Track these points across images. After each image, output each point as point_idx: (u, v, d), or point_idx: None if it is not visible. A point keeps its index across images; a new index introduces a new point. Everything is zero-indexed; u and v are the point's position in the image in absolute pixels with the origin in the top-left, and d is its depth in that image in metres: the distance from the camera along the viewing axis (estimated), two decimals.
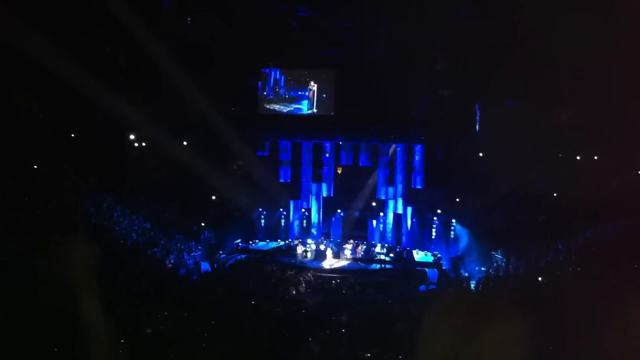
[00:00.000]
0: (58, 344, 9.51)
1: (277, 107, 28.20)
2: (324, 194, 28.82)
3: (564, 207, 23.48)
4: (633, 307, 10.66)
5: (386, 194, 27.91)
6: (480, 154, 26.81)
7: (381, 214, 28.44)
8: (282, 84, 27.94)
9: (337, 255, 24.93)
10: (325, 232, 28.64)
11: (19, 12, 19.08)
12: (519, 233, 23.60)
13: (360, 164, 27.85)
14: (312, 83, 27.58)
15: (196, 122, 25.64)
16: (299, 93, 27.79)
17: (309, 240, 26.62)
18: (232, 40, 26.42)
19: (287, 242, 27.44)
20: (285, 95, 27.97)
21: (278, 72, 27.99)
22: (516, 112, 26.17)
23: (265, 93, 28.13)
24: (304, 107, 27.89)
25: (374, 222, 28.24)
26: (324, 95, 27.57)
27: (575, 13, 20.44)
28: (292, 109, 28.06)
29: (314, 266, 23.79)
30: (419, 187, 27.16)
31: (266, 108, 28.27)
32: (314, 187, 28.88)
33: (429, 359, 2.47)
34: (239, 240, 26.79)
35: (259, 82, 28.22)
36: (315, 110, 27.81)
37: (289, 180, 28.82)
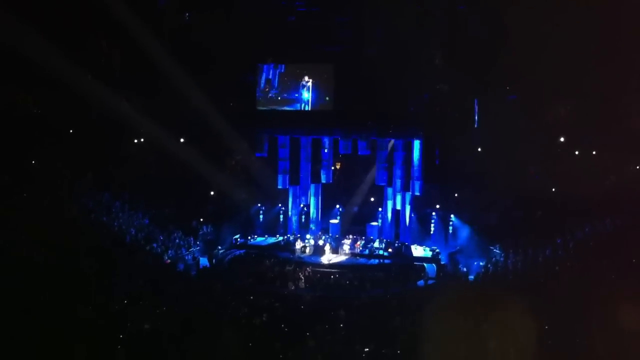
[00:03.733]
0: (57, 341, 9.54)
1: (271, 107, 27.98)
2: (323, 180, 28.69)
3: (561, 203, 23.52)
4: (629, 301, 10.72)
5: (385, 187, 27.78)
6: (479, 149, 26.78)
7: (380, 209, 28.44)
8: (276, 84, 27.67)
9: (335, 250, 24.89)
10: (324, 228, 28.60)
11: (16, 10, 19.03)
12: (517, 228, 23.64)
13: (360, 153, 27.49)
14: (306, 78, 27.34)
15: (194, 118, 25.59)
16: (295, 95, 27.55)
17: (308, 236, 26.59)
18: (229, 35, 26.32)
19: (285, 237, 27.39)
20: (278, 97, 27.74)
21: (272, 70, 27.75)
22: (514, 107, 26.18)
23: (260, 93, 27.91)
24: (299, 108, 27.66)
25: (373, 222, 28.24)
26: (322, 91, 27.36)
27: (574, 8, 20.46)
28: (284, 109, 27.87)
29: (312, 261, 23.73)
30: (417, 182, 27.04)
31: (263, 105, 28.10)
32: (312, 185, 28.81)
33: (426, 352, 2.48)
34: (237, 236, 26.73)
35: (256, 79, 28.02)
36: (310, 109, 27.54)
37: (287, 187, 28.64)
